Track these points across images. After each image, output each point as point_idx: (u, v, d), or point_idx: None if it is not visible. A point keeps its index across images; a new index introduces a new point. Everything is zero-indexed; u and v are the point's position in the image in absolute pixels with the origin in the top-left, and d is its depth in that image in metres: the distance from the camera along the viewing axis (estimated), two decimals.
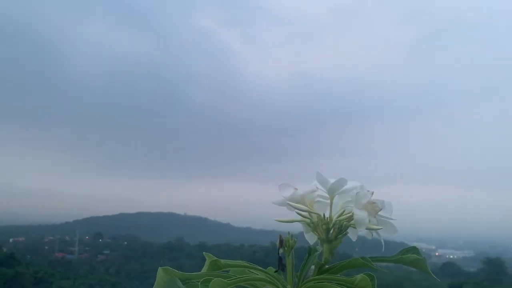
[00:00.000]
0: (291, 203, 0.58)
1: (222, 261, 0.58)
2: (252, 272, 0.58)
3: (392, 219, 0.56)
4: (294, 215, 0.60)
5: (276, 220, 0.60)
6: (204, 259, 0.59)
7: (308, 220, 0.59)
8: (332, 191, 0.56)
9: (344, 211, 0.57)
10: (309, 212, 0.58)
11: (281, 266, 0.56)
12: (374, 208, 0.54)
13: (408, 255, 0.54)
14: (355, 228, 0.55)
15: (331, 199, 0.57)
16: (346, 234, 0.57)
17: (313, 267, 0.58)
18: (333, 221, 0.57)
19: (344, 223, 0.56)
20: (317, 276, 0.54)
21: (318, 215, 0.58)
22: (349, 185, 0.56)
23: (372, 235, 0.58)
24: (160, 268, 0.56)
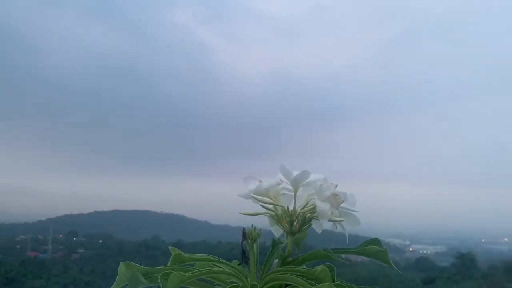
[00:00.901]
0: (255, 195, 0.58)
1: (186, 254, 0.58)
2: (216, 266, 0.57)
3: (354, 211, 0.56)
4: (260, 208, 0.60)
5: (240, 213, 0.60)
6: None
7: (272, 213, 0.59)
8: (296, 183, 0.56)
9: (307, 203, 0.57)
10: (273, 204, 0.58)
11: (244, 259, 0.56)
12: (336, 200, 0.54)
13: (370, 247, 0.54)
14: (318, 220, 0.55)
15: (295, 192, 0.57)
16: (310, 226, 0.58)
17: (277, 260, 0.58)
18: (296, 213, 0.57)
19: (308, 215, 0.56)
20: (279, 268, 0.54)
21: (282, 207, 0.58)
22: (312, 177, 0.56)
23: (337, 227, 0.58)
24: (121, 263, 0.55)
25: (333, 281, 0.48)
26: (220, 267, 0.56)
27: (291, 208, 0.57)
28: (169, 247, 0.60)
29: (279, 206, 0.58)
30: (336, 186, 0.55)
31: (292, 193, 0.58)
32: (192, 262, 0.58)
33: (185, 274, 0.49)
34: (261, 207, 0.59)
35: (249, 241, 0.55)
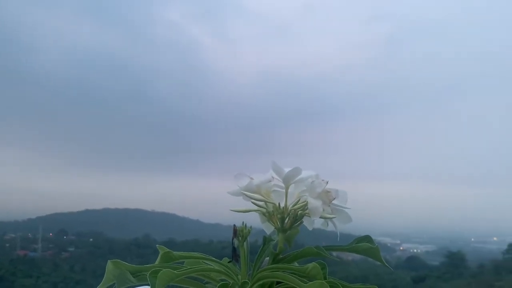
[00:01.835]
0: (246, 192, 0.57)
1: (175, 252, 0.57)
2: (206, 263, 0.57)
3: (346, 208, 0.55)
4: (252, 206, 0.59)
5: (231, 210, 0.59)
6: None
7: (264, 210, 0.58)
8: (287, 180, 0.55)
9: (299, 200, 0.56)
10: (264, 201, 0.57)
11: (235, 257, 0.55)
12: (328, 197, 0.53)
13: (362, 244, 0.54)
14: (310, 217, 0.54)
15: (287, 188, 0.56)
16: (301, 223, 0.57)
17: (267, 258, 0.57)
18: (288, 210, 0.56)
19: (299, 212, 0.55)
20: (270, 265, 0.53)
21: (274, 204, 0.57)
22: (304, 174, 0.55)
23: (328, 224, 0.58)
24: (109, 261, 0.54)
25: (325, 278, 0.48)
26: (210, 265, 0.55)
27: (282, 205, 0.56)
28: (157, 245, 0.59)
29: (270, 203, 0.57)
30: (327, 182, 0.55)
31: (284, 190, 0.57)
32: (182, 260, 0.57)
33: (175, 272, 0.48)
34: (253, 204, 0.58)
35: (239, 238, 0.55)
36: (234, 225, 0.55)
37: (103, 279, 0.54)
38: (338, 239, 0.58)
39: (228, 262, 0.55)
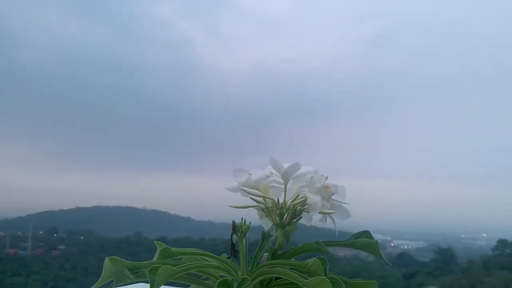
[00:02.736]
0: (245, 188, 0.57)
1: (174, 249, 0.56)
2: (205, 260, 0.56)
3: (345, 203, 0.55)
4: (250, 202, 0.59)
5: (230, 206, 0.58)
6: None
7: (262, 206, 0.58)
8: (286, 175, 0.55)
9: (298, 196, 0.56)
10: (263, 197, 0.57)
11: (233, 252, 0.55)
12: (327, 192, 0.53)
13: (361, 239, 0.54)
14: (308, 212, 0.54)
15: (285, 184, 0.56)
16: (300, 218, 0.57)
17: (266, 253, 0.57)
18: (287, 206, 0.56)
19: (298, 207, 0.55)
20: (270, 261, 0.53)
21: (272, 200, 0.57)
22: (303, 169, 0.55)
23: (326, 220, 0.58)
24: (107, 258, 0.54)
25: (326, 274, 0.48)
26: (210, 261, 0.55)
27: (281, 200, 0.56)
28: (155, 241, 0.58)
29: (269, 198, 0.57)
30: (327, 177, 0.55)
31: (282, 186, 0.57)
32: (180, 257, 0.57)
33: (174, 268, 0.47)
34: (251, 200, 0.58)
35: (238, 234, 0.54)
36: (233, 221, 0.55)
37: (101, 276, 0.53)
38: (337, 234, 0.58)
39: (227, 258, 0.55)
